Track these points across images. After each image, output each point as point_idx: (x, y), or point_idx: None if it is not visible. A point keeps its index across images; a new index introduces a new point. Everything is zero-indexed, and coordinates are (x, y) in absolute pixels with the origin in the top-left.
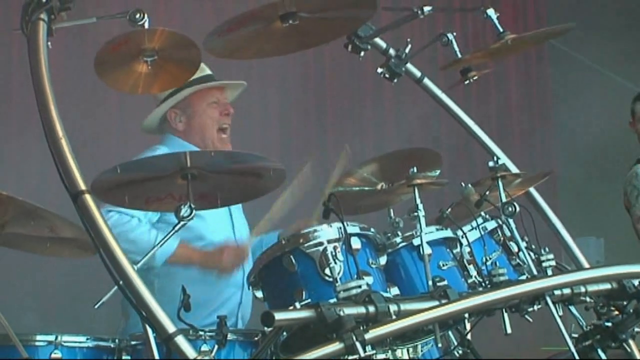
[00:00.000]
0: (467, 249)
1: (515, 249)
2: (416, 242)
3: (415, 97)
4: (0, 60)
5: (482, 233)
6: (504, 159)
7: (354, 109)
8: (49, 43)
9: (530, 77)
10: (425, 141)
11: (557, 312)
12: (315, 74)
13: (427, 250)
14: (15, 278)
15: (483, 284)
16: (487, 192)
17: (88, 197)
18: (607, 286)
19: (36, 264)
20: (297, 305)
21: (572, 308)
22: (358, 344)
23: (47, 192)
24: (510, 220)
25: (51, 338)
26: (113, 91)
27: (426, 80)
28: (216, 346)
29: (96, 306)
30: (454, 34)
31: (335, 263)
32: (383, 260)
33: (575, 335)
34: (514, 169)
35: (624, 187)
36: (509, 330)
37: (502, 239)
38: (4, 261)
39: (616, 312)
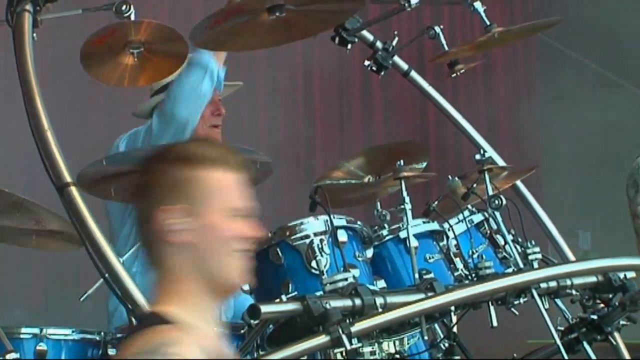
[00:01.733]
0: (454, 242)
1: (502, 242)
2: (403, 234)
3: (403, 89)
4: None
5: (469, 226)
6: (490, 152)
7: (342, 101)
8: (35, 35)
9: (518, 70)
10: (414, 134)
11: (543, 305)
12: (304, 67)
13: (414, 242)
14: (1, 272)
15: (469, 277)
16: (474, 185)
17: (74, 190)
18: (593, 279)
19: (23, 258)
20: (284, 298)
21: (558, 301)
22: (344, 337)
23: (36, 185)
24: (497, 213)
25: (36, 331)
26: (101, 83)
27: (413, 73)
28: None
29: (81, 299)
30: (442, 27)
31: (322, 256)
32: (369, 253)
33: (561, 328)
34: (501, 162)
35: (628, 176)
36: (495, 323)
37: (488, 231)
38: None
39: (602, 305)
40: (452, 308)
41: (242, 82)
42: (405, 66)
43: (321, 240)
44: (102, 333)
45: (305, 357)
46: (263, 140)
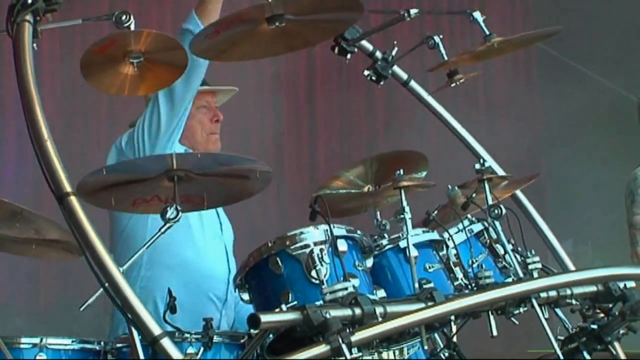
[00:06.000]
0: (454, 251)
1: (502, 252)
2: (402, 244)
3: (405, 99)
4: None
5: (469, 235)
6: (490, 162)
7: (344, 110)
8: (35, 45)
9: (518, 79)
10: (414, 144)
11: (543, 315)
12: (307, 74)
13: (414, 252)
14: (1, 281)
15: (469, 286)
16: (474, 195)
17: (74, 199)
18: (593, 288)
19: (23, 267)
20: (284, 307)
21: (558, 310)
22: (344, 346)
23: (44, 195)
24: (497, 223)
25: (36, 340)
26: (102, 92)
27: (412, 83)
28: (202, 348)
29: (81, 308)
30: (441, 36)
31: (322, 265)
32: (369, 262)
33: (561, 338)
34: (500, 172)
35: (625, 187)
36: (495, 333)
37: (488, 241)
38: None
39: (602, 315)
40: (452, 317)
41: (237, 88)
42: (404, 76)
43: (321, 250)
44: (102, 343)
45: None
46: (269, 149)
